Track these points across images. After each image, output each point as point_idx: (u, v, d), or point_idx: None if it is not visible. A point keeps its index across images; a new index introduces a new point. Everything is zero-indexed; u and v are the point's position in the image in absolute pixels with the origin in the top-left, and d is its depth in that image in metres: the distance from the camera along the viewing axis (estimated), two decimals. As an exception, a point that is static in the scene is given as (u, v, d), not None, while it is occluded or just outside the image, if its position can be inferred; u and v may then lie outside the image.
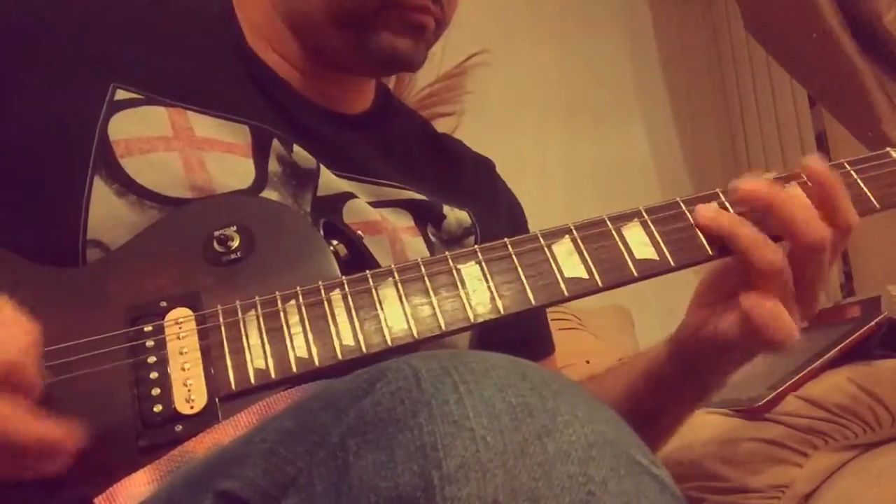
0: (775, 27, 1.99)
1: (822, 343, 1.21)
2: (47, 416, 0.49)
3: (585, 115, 3.09)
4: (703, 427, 1.17)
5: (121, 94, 0.68)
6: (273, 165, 0.71)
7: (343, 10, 0.73)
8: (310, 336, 0.57)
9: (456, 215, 0.81)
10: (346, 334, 0.57)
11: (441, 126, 0.96)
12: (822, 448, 1.09)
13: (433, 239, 0.79)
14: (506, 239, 0.63)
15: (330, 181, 0.73)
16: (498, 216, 0.87)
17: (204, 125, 0.70)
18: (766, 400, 1.12)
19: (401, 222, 0.77)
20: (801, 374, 1.14)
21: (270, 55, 0.77)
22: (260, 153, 0.71)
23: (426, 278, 0.60)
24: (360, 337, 0.57)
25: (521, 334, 0.79)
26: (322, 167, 0.73)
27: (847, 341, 1.17)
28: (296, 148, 0.72)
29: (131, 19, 0.74)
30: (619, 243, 0.63)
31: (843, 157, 0.71)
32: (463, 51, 1.00)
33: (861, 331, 1.18)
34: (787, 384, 1.13)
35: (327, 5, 0.74)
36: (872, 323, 1.18)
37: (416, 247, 0.76)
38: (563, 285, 0.61)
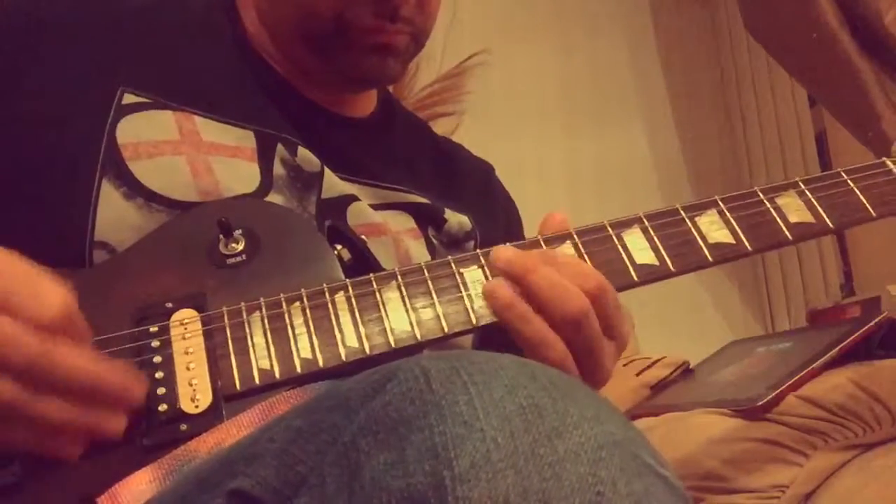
0: (775, 27, 1.99)
1: (822, 343, 1.21)
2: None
3: (585, 115, 3.10)
4: (703, 427, 1.17)
5: (129, 98, 0.69)
6: (278, 169, 0.72)
7: (307, 32, 0.74)
8: (314, 337, 0.58)
9: (458, 219, 0.81)
10: (349, 336, 0.58)
11: (441, 126, 0.96)
12: (822, 448, 1.09)
13: (434, 241, 0.79)
14: (508, 244, 0.63)
15: (334, 184, 0.74)
16: (496, 221, 0.88)
17: (210, 129, 0.70)
18: (766, 400, 1.12)
19: (403, 224, 0.78)
20: (801, 374, 1.14)
21: (273, 58, 0.78)
22: (265, 157, 0.71)
23: (429, 281, 0.61)
24: (364, 339, 0.58)
25: None
26: (326, 170, 0.74)
27: (847, 341, 1.18)
28: (300, 151, 0.73)
29: (136, 23, 0.74)
30: (620, 248, 0.64)
31: (843, 157, 0.72)
32: (463, 51, 1.00)
33: (861, 331, 1.18)
34: (787, 384, 1.13)
35: (295, 26, 0.74)
36: (872, 323, 1.19)
37: (418, 249, 0.76)
38: None
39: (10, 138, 0.66)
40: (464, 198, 0.86)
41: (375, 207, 0.76)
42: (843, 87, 1.79)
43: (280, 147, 0.73)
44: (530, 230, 0.67)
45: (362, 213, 0.74)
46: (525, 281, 0.58)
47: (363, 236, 0.72)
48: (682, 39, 3.30)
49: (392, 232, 0.75)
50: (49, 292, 0.48)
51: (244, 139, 0.72)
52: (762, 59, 3.11)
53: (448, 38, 1.00)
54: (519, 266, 0.59)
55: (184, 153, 0.67)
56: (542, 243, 0.64)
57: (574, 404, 0.38)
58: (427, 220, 0.80)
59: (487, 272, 0.62)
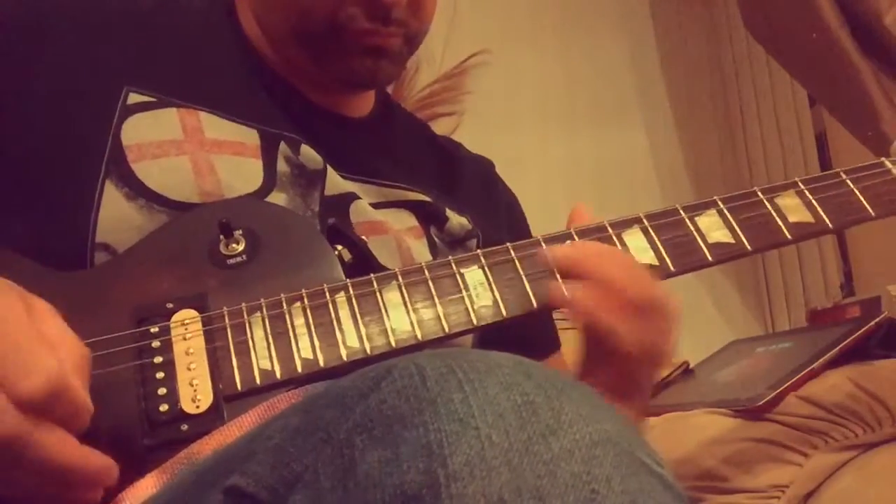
0: (775, 27, 1.99)
1: (822, 343, 1.21)
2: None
3: (585, 115, 3.10)
4: (703, 427, 1.17)
5: (133, 98, 0.69)
6: (281, 166, 0.72)
7: (301, 33, 0.74)
8: (315, 338, 0.58)
9: (458, 220, 0.82)
10: (350, 336, 0.58)
11: (441, 126, 0.96)
12: (822, 448, 1.09)
13: (436, 240, 0.80)
14: (508, 244, 0.64)
15: (336, 182, 0.74)
16: (498, 218, 0.88)
17: (214, 126, 0.70)
18: (766, 400, 1.12)
19: (404, 223, 0.78)
20: (801, 374, 1.14)
21: (272, 58, 0.78)
22: (268, 155, 0.72)
23: (430, 282, 0.61)
24: (365, 339, 0.58)
25: (527, 332, 0.80)
26: (329, 167, 0.74)
27: (847, 341, 1.18)
28: (303, 149, 0.73)
29: (139, 21, 0.75)
30: (620, 248, 0.64)
31: (843, 157, 0.72)
32: (463, 51, 1.00)
33: (861, 331, 1.18)
34: (787, 384, 1.13)
35: (289, 27, 0.74)
36: (872, 323, 1.19)
37: (419, 248, 0.77)
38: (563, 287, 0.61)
39: (15, 138, 0.67)
40: (465, 196, 0.86)
41: (377, 206, 0.77)
42: (843, 87, 1.78)
43: (283, 145, 0.73)
44: (532, 230, 0.67)
45: (364, 212, 0.74)
46: (596, 270, 0.60)
47: (364, 235, 0.72)
48: (682, 39, 3.30)
49: (393, 231, 0.76)
50: (38, 365, 0.45)
51: (248, 136, 0.72)
52: (762, 59, 3.11)
53: (448, 38, 1.00)
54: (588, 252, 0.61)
55: (187, 153, 0.68)
56: (542, 244, 0.64)
57: (569, 402, 0.38)
58: (429, 218, 0.80)
59: (488, 272, 0.62)
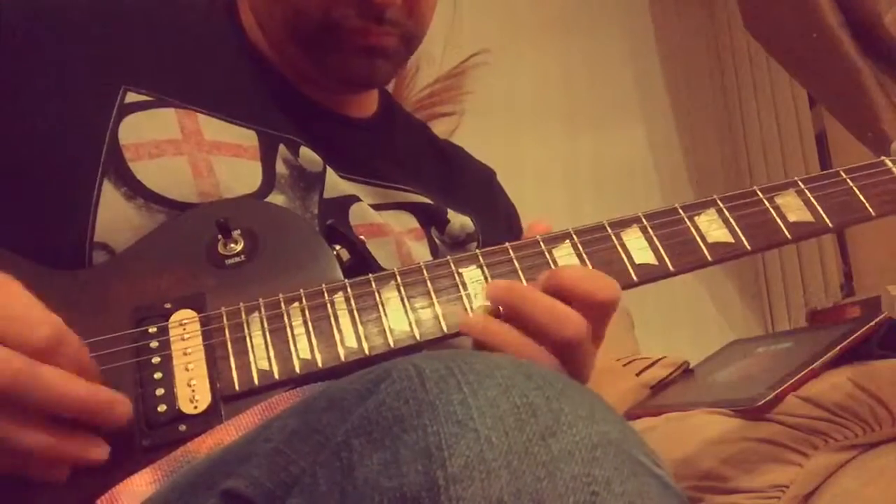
0: (775, 27, 1.99)
1: (822, 343, 1.21)
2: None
3: (585, 115, 3.10)
4: (703, 427, 1.17)
5: (131, 97, 0.69)
6: (280, 168, 0.72)
7: (296, 31, 0.74)
8: (313, 338, 0.58)
9: (460, 220, 0.82)
10: (348, 336, 0.58)
11: (441, 126, 0.96)
12: (822, 448, 1.09)
13: (437, 242, 0.79)
14: (507, 243, 0.63)
15: (335, 183, 0.74)
16: (497, 226, 0.88)
17: (212, 128, 0.70)
18: (766, 400, 1.12)
19: (405, 225, 0.78)
20: (801, 374, 1.14)
21: (272, 58, 0.78)
22: (267, 157, 0.71)
23: (428, 281, 0.61)
24: (363, 339, 0.58)
25: None
26: (328, 170, 0.74)
27: (847, 341, 1.17)
28: (302, 151, 0.73)
29: (138, 21, 0.74)
30: (619, 248, 0.64)
31: (843, 157, 0.72)
32: (463, 51, 1.00)
33: (861, 331, 1.18)
34: (787, 384, 1.13)
35: (285, 26, 0.74)
36: (872, 323, 1.19)
37: (420, 251, 0.76)
38: None
39: (12, 138, 0.66)
40: (466, 200, 0.86)
41: (377, 207, 0.76)
42: (843, 88, 1.78)
43: (282, 147, 0.73)
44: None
45: (364, 214, 0.74)
46: (520, 310, 0.57)
47: (364, 237, 0.72)
48: (682, 39, 3.30)
49: (394, 233, 0.76)
50: (39, 318, 0.49)
51: (247, 138, 0.72)
52: (762, 59, 3.11)
53: (448, 38, 1.00)
54: (515, 296, 0.58)
55: (185, 153, 0.67)
56: (540, 243, 0.64)
57: (569, 403, 0.38)
58: (430, 219, 0.80)
59: (487, 272, 0.62)
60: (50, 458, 0.49)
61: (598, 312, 0.58)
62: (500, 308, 0.59)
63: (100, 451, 0.51)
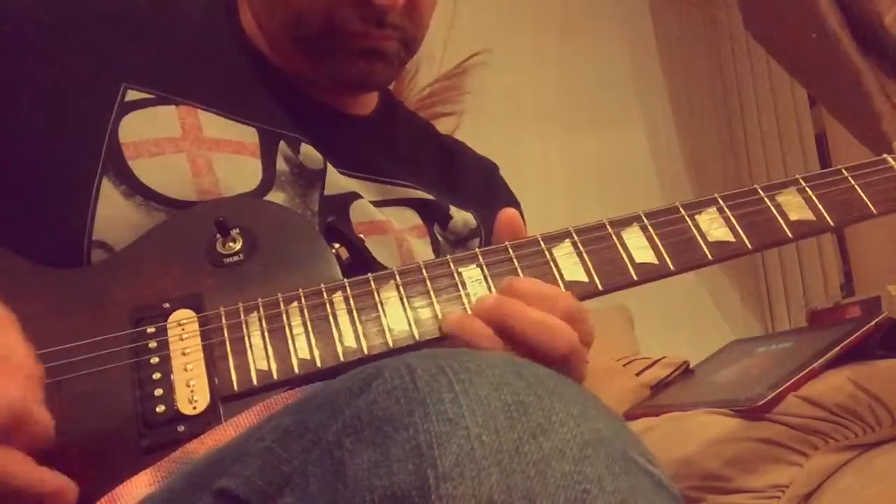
0: (775, 27, 1.99)
1: (822, 343, 1.21)
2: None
3: (585, 114, 3.10)
4: (703, 427, 1.17)
5: (132, 95, 0.69)
6: (281, 166, 0.72)
7: (297, 34, 0.74)
8: (312, 337, 0.58)
9: (462, 216, 0.81)
10: (347, 336, 0.58)
11: (441, 126, 0.96)
12: (822, 448, 1.09)
13: (439, 238, 0.79)
14: (507, 242, 0.63)
15: (336, 180, 0.74)
16: None
17: (213, 125, 0.70)
18: (766, 400, 1.12)
19: (407, 221, 0.78)
20: (801, 374, 1.14)
21: (275, 56, 0.78)
22: (267, 154, 0.71)
23: (427, 281, 0.61)
24: (362, 338, 0.58)
25: None
26: (329, 167, 0.73)
27: (847, 341, 1.17)
28: (303, 148, 0.73)
29: (137, 19, 0.74)
30: (619, 247, 0.64)
31: (843, 157, 0.72)
32: (463, 51, 1.00)
33: (861, 331, 1.18)
34: (787, 384, 1.13)
35: (285, 28, 0.74)
36: (872, 323, 1.18)
37: (421, 248, 0.76)
38: (563, 288, 0.61)
39: (13, 136, 0.66)
40: (468, 196, 0.86)
41: (379, 204, 0.76)
42: (843, 87, 1.78)
43: (283, 144, 0.73)
44: (531, 230, 0.66)
45: (365, 211, 0.74)
46: (507, 326, 0.56)
47: (364, 235, 0.72)
48: (682, 39, 3.30)
49: (395, 230, 0.75)
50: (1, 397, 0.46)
51: (247, 135, 0.72)
52: (762, 59, 3.11)
53: (448, 38, 1.00)
54: (504, 313, 0.57)
55: (185, 151, 0.67)
56: (540, 242, 0.64)
57: (560, 401, 0.38)
58: (432, 216, 0.80)
59: (486, 271, 0.62)
60: None
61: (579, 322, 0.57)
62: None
63: None
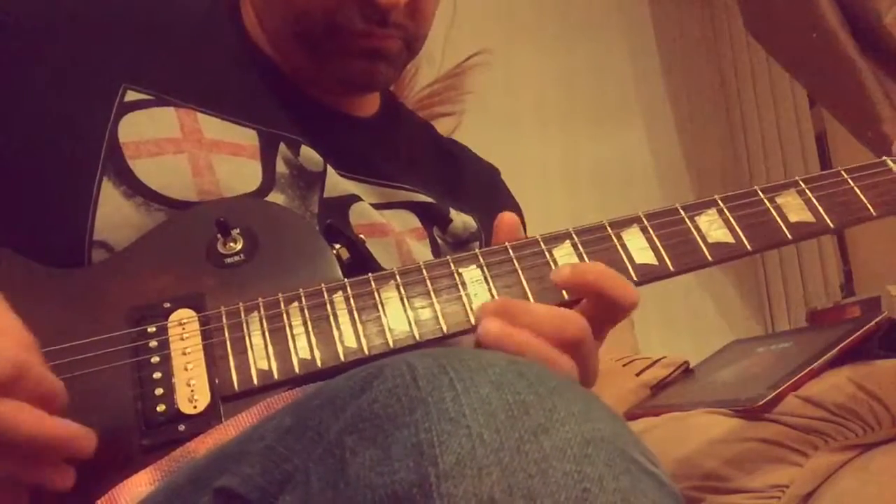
0: (775, 27, 1.99)
1: (822, 343, 1.21)
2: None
3: (585, 115, 3.10)
4: (703, 427, 1.17)
5: (131, 95, 0.69)
6: (280, 168, 0.72)
7: (299, 33, 0.74)
8: (312, 337, 0.58)
9: (462, 219, 0.81)
10: (348, 336, 0.58)
11: (441, 126, 0.96)
12: (822, 448, 1.09)
13: (439, 241, 0.79)
14: (507, 243, 0.63)
15: (336, 182, 0.74)
16: None
17: (212, 127, 0.70)
18: (766, 400, 1.12)
19: (407, 224, 0.78)
20: (801, 374, 1.14)
21: (277, 56, 0.78)
22: (267, 156, 0.71)
23: (428, 281, 0.61)
24: (363, 338, 0.58)
25: None
26: (329, 169, 0.74)
27: (847, 341, 1.17)
28: (303, 150, 0.73)
29: (139, 20, 0.74)
30: (619, 248, 0.64)
31: (843, 158, 0.72)
32: (463, 51, 1.00)
33: (861, 331, 1.18)
34: (787, 384, 1.13)
35: (288, 27, 0.74)
36: (872, 323, 1.19)
37: (421, 251, 0.76)
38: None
39: (13, 136, 0.66)
40: (469, 199, 0.86)
41: (379, 207, 0.76)
42: (843, 88, 1.78)
43: (283, 146, 0.73)
44: (531, 231, 0.66)
45: (365, 213, 0.74)
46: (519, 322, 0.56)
47: (364, 236, 0.72)
48: (682, 39, 3.30)
49: (395, 233, 0.75)
50: (1, 353, 0.47)
51: (247, 137, 0.72)
52: (762, 59, 3.11)
53: (448, 38, 1.00)
54: (508, 314, 0.56)
55: (185, 151, 0.67)
56: (540, 243, 0.64)
57: (561, 400, 0.38)
58: (432, 219, 0.80)
59: (486, 271, 0.62)
60: (10, 485, 0.48)
61: (610, 311, 0.58)
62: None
63: (64, 480, 0.49)
